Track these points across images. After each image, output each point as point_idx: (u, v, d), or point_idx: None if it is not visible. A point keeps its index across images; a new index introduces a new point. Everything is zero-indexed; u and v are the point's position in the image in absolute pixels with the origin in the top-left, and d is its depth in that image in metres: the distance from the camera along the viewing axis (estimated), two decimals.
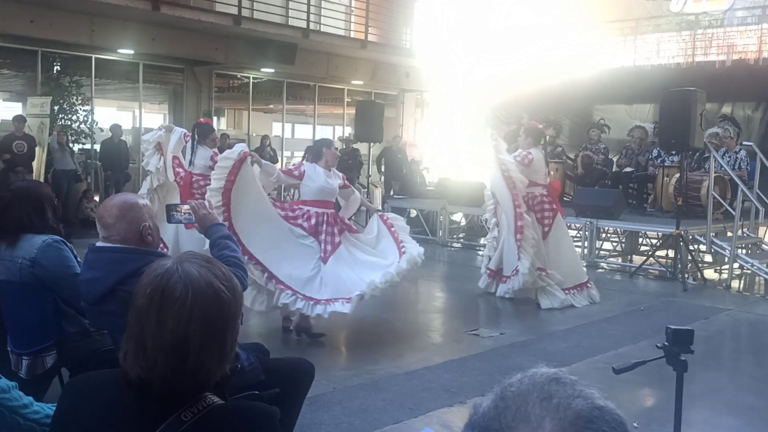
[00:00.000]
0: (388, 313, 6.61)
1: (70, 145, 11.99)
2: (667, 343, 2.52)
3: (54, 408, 1.80)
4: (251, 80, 16.13)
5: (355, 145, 15.10)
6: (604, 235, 10.92)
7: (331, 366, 4.91)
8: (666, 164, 10.25)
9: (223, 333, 1.40)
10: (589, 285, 7.38)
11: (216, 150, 6.88)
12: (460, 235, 11.95)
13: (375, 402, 4.27)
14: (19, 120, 11.20)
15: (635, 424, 3.93)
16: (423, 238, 9.74)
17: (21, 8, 11.47)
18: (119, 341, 1.62)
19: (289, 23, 14.68)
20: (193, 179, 6.81)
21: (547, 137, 12.37)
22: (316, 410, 3.98)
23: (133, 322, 1.40)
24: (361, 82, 17.53)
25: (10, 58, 12.79)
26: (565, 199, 12.11)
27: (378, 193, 15.58)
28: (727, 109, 11.78)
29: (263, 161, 5.79)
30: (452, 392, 4.49)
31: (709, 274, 9.17)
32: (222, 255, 2.61)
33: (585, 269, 8.00)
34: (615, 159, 11.53)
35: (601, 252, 10.56)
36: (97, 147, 12.98)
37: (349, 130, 17.07)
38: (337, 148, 6.36)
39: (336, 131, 19.23)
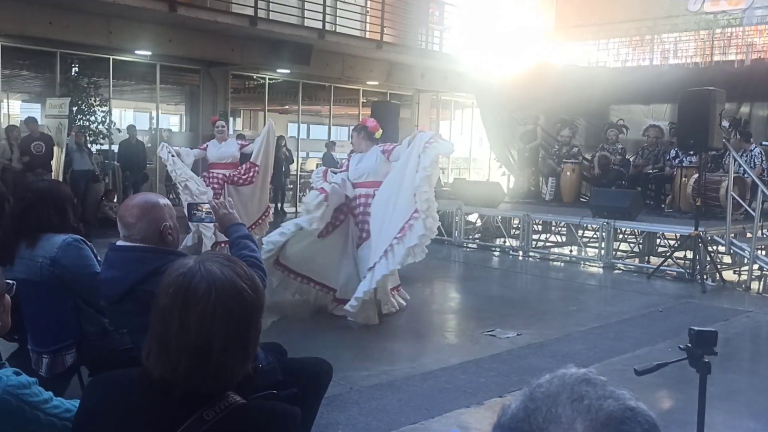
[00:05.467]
0: (403, 313, 6.60)
1: (88, 145, 12.08)
2: (690, 345, 2.49)
3: (73, 403, 1.82)
4: (267, 81, 16.18)
5: None
6: (621, 236, 10.84)
7: (348, 366, 4.90)
8: (684, 164, 10.15)
9: (245, 332, 1.40)
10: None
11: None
12: (476, 236, 11.91)
13: (391, 402, 4.26)
14: (33, 122, 11.31)
15: None
16: (438, 239, 9.70)
17: (40, 10, 11.58)
18: (138, 341, 1.62)
19: (305, 24, 14.69)
20: None
21: (562, 137, 12.34)
22: (332, 410, 3.98)
23: (156, 321, 1.40)
24: (376, 83, 17.52)
25: (29, 59, 12.93)
26: (581, 199, 12.05)
27: None
28: (745, 109, 11.65)
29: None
30: (469, 393, 4.47)
31: (728, 275, 9.05)
32: (242, 255, 2.61)
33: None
34: (632, 159, 11.44)
35: (618, 253, 10.48)
36: (115, 148, 13.08)
37: None
38: None
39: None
